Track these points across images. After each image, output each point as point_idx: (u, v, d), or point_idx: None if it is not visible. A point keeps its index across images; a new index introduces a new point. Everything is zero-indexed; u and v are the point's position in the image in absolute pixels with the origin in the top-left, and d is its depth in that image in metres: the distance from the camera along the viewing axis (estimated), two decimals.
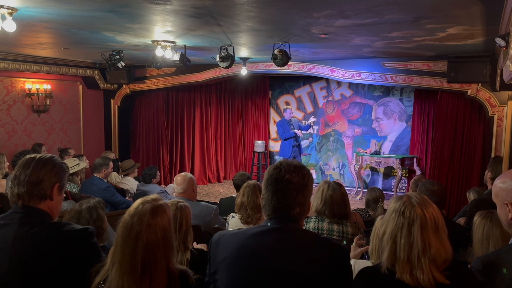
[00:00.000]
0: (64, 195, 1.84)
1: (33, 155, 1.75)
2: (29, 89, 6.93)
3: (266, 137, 10.05)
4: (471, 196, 4.09)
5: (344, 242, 2.83)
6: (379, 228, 1.53)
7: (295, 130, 7.75)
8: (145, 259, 1.45)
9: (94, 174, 4.99)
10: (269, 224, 1.56)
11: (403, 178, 8.33)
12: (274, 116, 10.09)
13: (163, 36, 4.79)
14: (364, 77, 6.75)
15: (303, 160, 9.22)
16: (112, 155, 6.99)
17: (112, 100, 8.36)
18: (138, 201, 1.57)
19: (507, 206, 1.61)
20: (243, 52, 6.07)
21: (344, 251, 1.57)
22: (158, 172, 5.76)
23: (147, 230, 1.48)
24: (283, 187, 1.53)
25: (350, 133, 9.08)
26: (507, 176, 1.65)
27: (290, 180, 1.53)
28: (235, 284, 1.51)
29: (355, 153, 8.73)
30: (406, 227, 1.41)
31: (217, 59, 5.48)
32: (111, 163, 5.12)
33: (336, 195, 3.02)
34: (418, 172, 7.88)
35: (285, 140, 7.94)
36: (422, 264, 1.38)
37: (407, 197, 1.48)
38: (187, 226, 2.23)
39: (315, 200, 3.46)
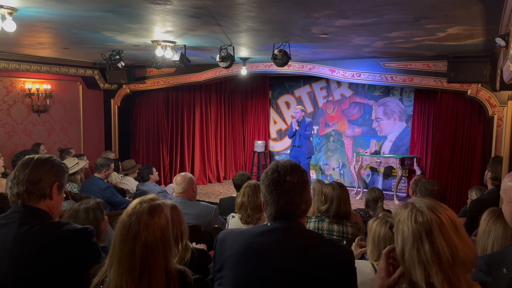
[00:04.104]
0: (64, 195, 1.85)
1: (32, 155, 1.77)
2: (29, 89, 6.93)
3: (266, 137, 10.05)
4: (473, 194, 4.08)
5: (344, 242, 2.83)
6: (399, 248, 1.32)
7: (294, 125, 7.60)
8: (143, 259, 1.45)
9: (94, 174, 5.00)
10: (275, 223, 1.57)
11: (403, 178, 8.34)
12: (274, 116, 10.09)
13: (163, 36, 4.79)
14: (364, 77, 6.75)
15: None
16: (112, 155, 6.99)
17: (112, 100, 8.36)
18: (136, 200, 1.57)
19: None
20: (243, 52, 6.07)
21: (350, 253, 1.58)
22: (154, 169, 5.76)
23: (145, 230, 1.47)
24: (286, 188, 1.54)
25: (350, 133, 9.08)
26: None
27: (291, 181, 1.55)
28: (240, 282, 1.52)
29: (355, 153, 8.73)
30: (424, 235, 1.26)
31: (217, 59, 5.47)
32: (112, 165, 5.13)
33: (342, 193, 3.04)
34: (418, 172, 7.87)
35: (290, 138, 7.92)
36: (457, 272, 1.23)
37: (411, 205, 1.34)
38: (178, 231, 2.16)
39: (315, 201, 3.46)
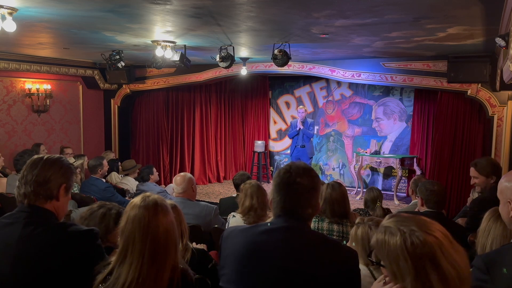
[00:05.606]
0: (70, 196, 1.83)
1: (41, 156, 1.75)
2: (29, 89, 6.93)
3: (266, 137, 10.05)
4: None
5: (344, 242, 2.83)
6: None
7: (299, 125, 7.59)
8: (156, 249, 1.47)
9: (91, 175, 5.01)
10: (278, 222, 1.57)
11: (403, 178, 8.34)
12: (274, 116, 10.10)
13: (163, 36, 4.80)
14: (364, 77, 6.75)
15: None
16: (112, 155, 6.99)
17: (112, 100, 8.36)
18: (139, 196, 1.58)
19: (510, 204, 1.65)
20: (243, 52, 6.07)
21: (354, 255, 1.58)
22: (154, 169, 5.77)
23: (158, 221, 1.50)
24: (293, 189, 1.55)
25: (350, 133, 9.08)
26: None
27: (300, 183, 1.55)
28: (241, 280, 1.52)
29: (355, 153, 8.73)
30: (429, 263, 1.12)
31: (217, 59, 5.47)
32: (104, 161, 5.11)
33: (336, 194, 3.02)
34: (418, 172, 7.87)
35: (291, 138, 7.91)
36: None
37: (398, 230, 1.18)
38: (178, 230, 2.18)
39: None
